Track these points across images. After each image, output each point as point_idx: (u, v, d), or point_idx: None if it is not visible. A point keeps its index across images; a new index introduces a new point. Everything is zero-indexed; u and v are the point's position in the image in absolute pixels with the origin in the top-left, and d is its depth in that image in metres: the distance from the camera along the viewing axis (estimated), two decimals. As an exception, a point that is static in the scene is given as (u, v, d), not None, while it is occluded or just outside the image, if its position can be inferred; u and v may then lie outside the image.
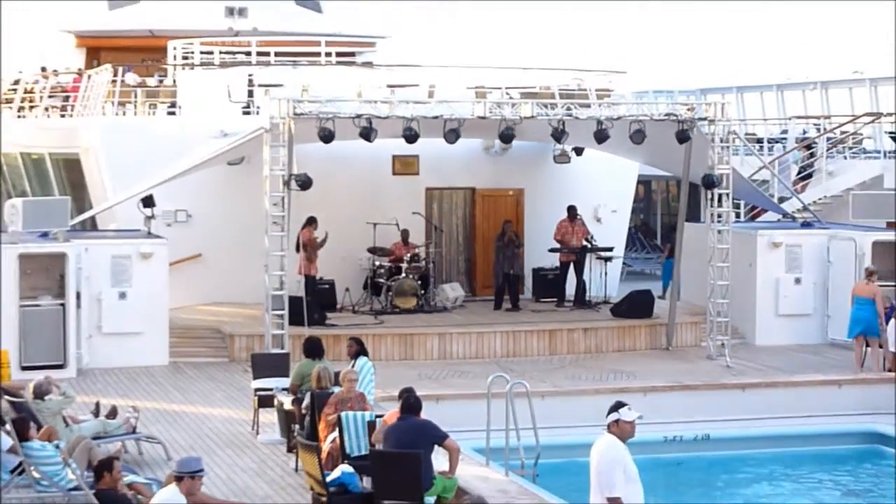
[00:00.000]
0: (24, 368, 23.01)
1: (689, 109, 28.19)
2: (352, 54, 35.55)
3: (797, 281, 28.90)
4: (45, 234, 25.88)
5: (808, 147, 37.78)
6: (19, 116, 36.74)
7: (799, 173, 35.54)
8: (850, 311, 26.53)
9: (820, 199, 33.46)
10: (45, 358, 24.32)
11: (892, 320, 25.08)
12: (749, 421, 23.01)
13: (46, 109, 35.33)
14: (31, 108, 36.24)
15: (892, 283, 27.93)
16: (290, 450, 18.17)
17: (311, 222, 27.12)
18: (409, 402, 15.56)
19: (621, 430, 10.97)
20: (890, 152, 38.90)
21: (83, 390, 21.92)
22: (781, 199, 33.30)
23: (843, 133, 40.48)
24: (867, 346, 25.58)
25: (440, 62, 34.41)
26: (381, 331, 25.97)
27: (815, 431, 22.93)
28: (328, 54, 33.69)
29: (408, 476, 15.06)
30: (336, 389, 17.41)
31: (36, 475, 16.15)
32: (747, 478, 21.61)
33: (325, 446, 15.96)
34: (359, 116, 25.78)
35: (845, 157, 37.75)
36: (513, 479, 16.93)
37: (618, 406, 11.17)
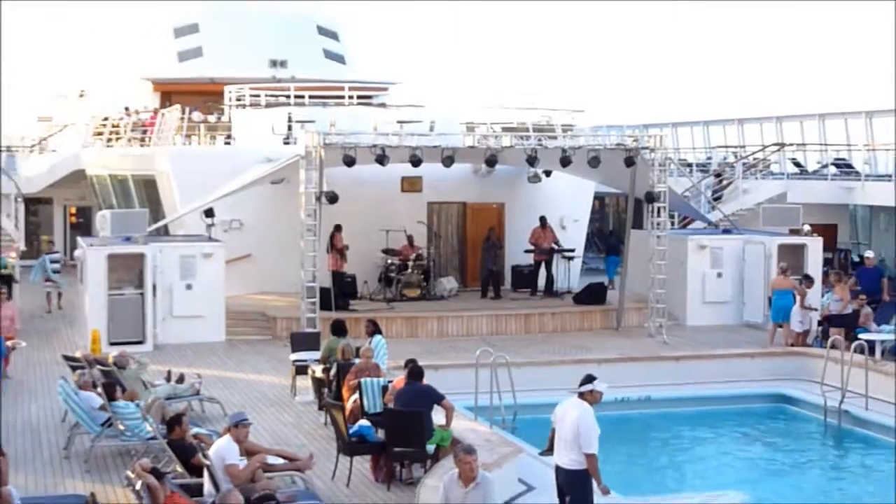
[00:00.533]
0: (112, 344, 23.15)
1: (634, 140, 28.52)
2: (369, 97, 35.58)
3: (719, 275, 29.13)
4: (128, 239, 26.21)
5: (718, 175, 37.91)
6: (108, 146, 36.91)
7: (714, 192, 35.71)
8: (773, 300, 26.73)
9: (737, 211, 33.62)
10: (128, 336, 24.66)
11: (795, 305, 25.44)
12: (681, 385, 23.13)
13: (129, 140, 35.41)
14: (118, 139, 36.34)
15: (798, 277, 28.25)
16: (320, 408, 18.53)
17: (339, 229, 27.41)
18: (414, 370, 15.97)
19: (593, 398, 11.57)
20: (791, 174, 39.10)
21: (158, 361, 22.00)
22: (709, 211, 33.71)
23: (755, 159, 40.65)
24: (779, 327, 25.84)
25: (439, 103, 34.61)
26: (392, 314, 26.13)
27: (733, 393, 23.10)
28: (350, 97, 33.75)
29: (413, 429, 15.42)
30: (357, 361, 17.73)
31: (121, 427, 16.49)
32: (680, 430, 21.71)
33: (348, 405, 16.27)
34: (374, 146, 26.07)
35: (756, 178, 37.81)
36: (495, 431, 17.28)
37: (591, 378, 11.72)
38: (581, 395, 11.78)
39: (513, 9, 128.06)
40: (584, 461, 11.57)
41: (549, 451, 12.57)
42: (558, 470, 11.96)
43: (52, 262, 29.43)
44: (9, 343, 19.69)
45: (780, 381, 23.71)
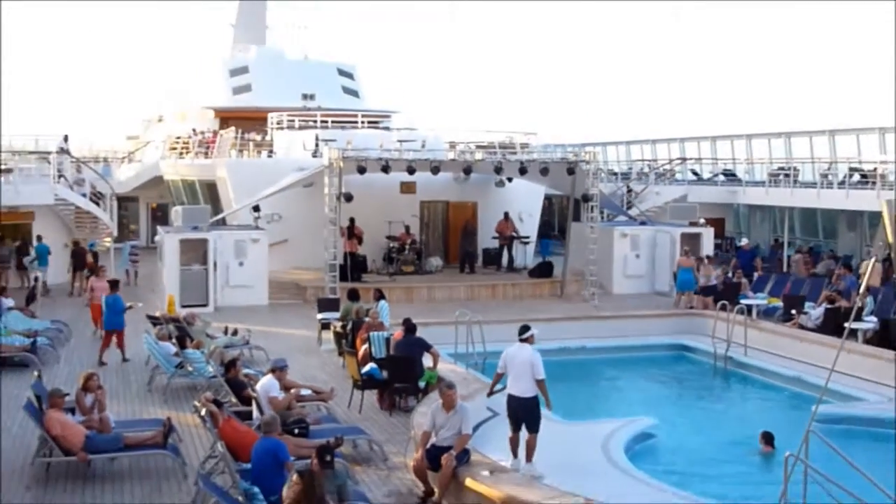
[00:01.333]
0: (183, 307, 23.11)
1: (574, 155, 28.48)
2: (377, 122, 35.48)
3: (637, 256, 29.14)
4: (195, 228, 26.19)
5: (629, 189, 37.80)
6: (180, 158, 36.93)
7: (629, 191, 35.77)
8: (677, 275, 26.66)
9: (650, 208, 33.64)
10: (195, 300, 24.61)
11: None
12: (608, 338, 23.15)
13: (196, 154, 35.44)
14: (187, 153, 36.35)
15: (695, 255, 28.36)
16: (339, 355, 18.52)
17: (353, 222, 27.33)
18: (409, 326, 16.16)
19: (532, 341, 11.68)
20: (691, 181, 39.19)
21: (217, 319, 21.97)
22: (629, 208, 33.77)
23: (664, 170, 40.78)
24: (682, 295, 25.97)
25: (428, 127, 34.72)
26: (392, 285, 25.98)
27: (646, 344, 23.18)
28: (362, 122, 33.76)
29: (409, 370, 15.58)
30: (367, 319, 17.76)
31: (190, 369, 16.63)
32: (607, 370, 21.91)
33: (360, 352, 16.30)
34: (380, 159, 26.05)
35: (665, 184, 37.92)
36: (469, 372, 17.37)
37: (527, 328, 11.93)
38: (524, 340, 12.06)
39: (485, 54, 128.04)
40: (535, 389, 11.88)
41: (493, 392, 13.24)
42: (512, 398, 12.03)
43: (133, 247, 29.44)
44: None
45: (681, 334, 23.82)
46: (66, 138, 33.84)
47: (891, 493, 10.88)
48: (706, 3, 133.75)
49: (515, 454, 12.10)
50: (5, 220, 29.51)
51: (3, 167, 29.42)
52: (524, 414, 12.06)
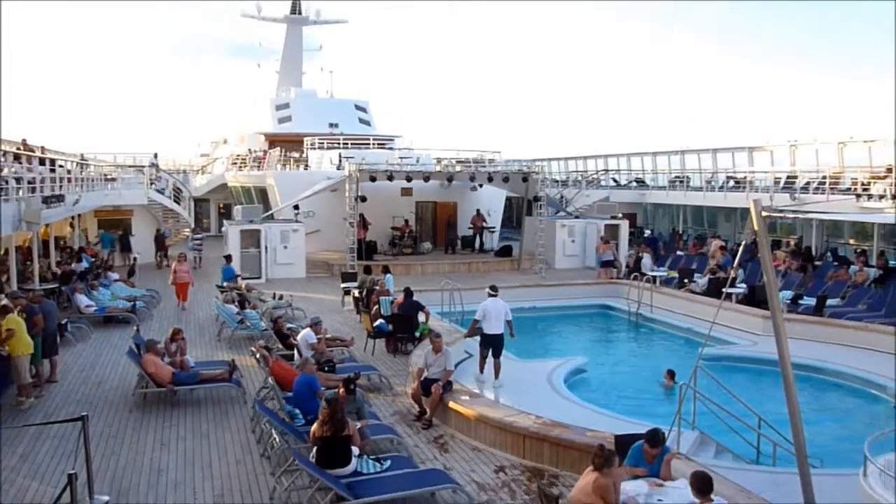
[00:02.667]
0: (243, 279, 23.03)
1: (527, 168, 28.46)
2: (384, 143, 35.41)
3: (573, 241, 29.04)
4: (251, 221, 26.04)
5: (562, 198, 37.79)
6: (239, 170, 36.74)
7: (561, 198, 35.71)
8: (598, 256, 26.90)
9: (582, 206, 33.54)
10: (251, 274, 24.51)
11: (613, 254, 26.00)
12: (552, 299, 23.23)
13: (251, 167, 35.29)
14: (245, 166, 36.19)
15: (615, 240, 28.45)
16: (357, 313, 18.33)
17: (363, 217, 27.11)
18: (408, 292, 16.21)
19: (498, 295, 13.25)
20: (612, 186, 39.20)
21: (268, 288, 22.00)
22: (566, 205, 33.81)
23: (592, 178, 40.85)
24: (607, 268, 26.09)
25: (421, 147, 34.55)
26: (396, 262, 25.80)
27: (580, 304, 23.19)
28: (373, 144, 33.74)
29: (408, 323, 15.56)
30: (377, 287, 17.81)
31: (248, 324, 16.56)
32: (551, 324, 21.88)
33: (372, 311, 16.31)
34: (386, 171, 26.02)
35: (593, 188, 37.97)
36: (452, 326, 17.34)
37: (495, 287, 12.59)
38: (494, 295, 13.77)
39: (464, 91, 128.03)
40: (503, 328, 13.54)
41: (470, 335, 14.29)
42: (491, 336, 13.54)
43: (195, 238, 29.36)
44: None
45: (605, 297, 23.78)
46: (155, 156, 34.21)
47: (753, 409, 11.06)
48: (621, 55, 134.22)
49: (482, 370, 13.75)
50: (112, 216, 30.14)
51: (110, 177, 29.53)
52: (496, 344, 13.55)
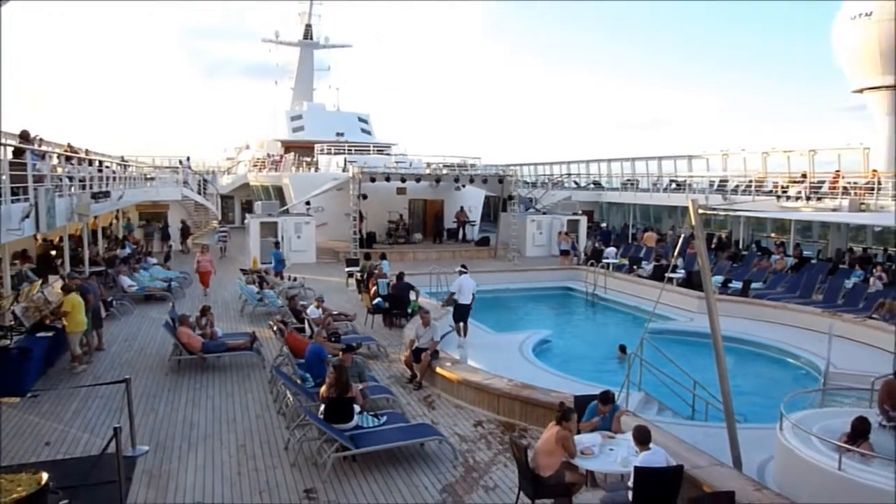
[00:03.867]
0: (262, 264, 22.95)
1: (502, 171, 28.46)
2: (382, 150, 35.22)
3: (540, 233, 28.95)
4: (269, 215, 25.80)
5: (531, 199, 37.77)
6: (259, 171, 36.46)
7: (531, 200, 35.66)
8: (557, 245, 27.09)
9: (548, 204, 33.56)
10: (270, 260, 24.37)
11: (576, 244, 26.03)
12: (522, 282, 23.29)
13: (269, 169, 35.04)
14: (264, 168, 35.91)
15: (575, 233, 28.49)
16: (359, 293, 18.30)
17: (361, 213, 26.75)
18: (401, 276, 16.16)
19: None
20: (573, 187, 39.29)
21: (285, 272, 21.81)
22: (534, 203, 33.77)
23: (557, 180, 40.89)
24: (566, 256, 26.24)
25: (414, 153, 34.54)
26: (391, 250, 25.55)
27: (545, 286, 23.24)
28: (373, 150, 33.59)
29: (402, 301, 15.54)
30: (375, 271, 17.76)
31: (266, 301, 16.40)
32: (521, 302, 21.84)
33: (371, 291, 16.29)
34: (384, 173, 25.96)
35: (559, 189, 38.03)
36: (439, 304, 17.21)
37: (465, 266, 12.94)
38: (465, 272, 14.53)
39: (450, 102, 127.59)
40: (470, 298, 14.12)
41: (448, 305, 14.69)
42: (464, 305, 14.11)
43: (221, 231, 28.96)
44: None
45: (567, 280, 23.78)
46: (188, 158, 33.83)
47: (689, 374, 11.15)
48: (570, 74, 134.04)
49: (460, 333, 14.05)
50: (152, 210, 30.01)
51: (149, 176, 29.34)
52: (466, 311, 14.12)
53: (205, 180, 33.35)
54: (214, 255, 25.80)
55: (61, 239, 17.57)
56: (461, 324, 14.14)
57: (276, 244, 23.29)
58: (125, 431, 7.61)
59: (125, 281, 18.10)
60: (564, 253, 26.34)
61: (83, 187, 16.93)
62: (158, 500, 6.91)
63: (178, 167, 31.77)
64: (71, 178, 16.02)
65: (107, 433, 7.62)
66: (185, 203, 30.60)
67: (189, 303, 17.51)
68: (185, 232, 29.65)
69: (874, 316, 15.73)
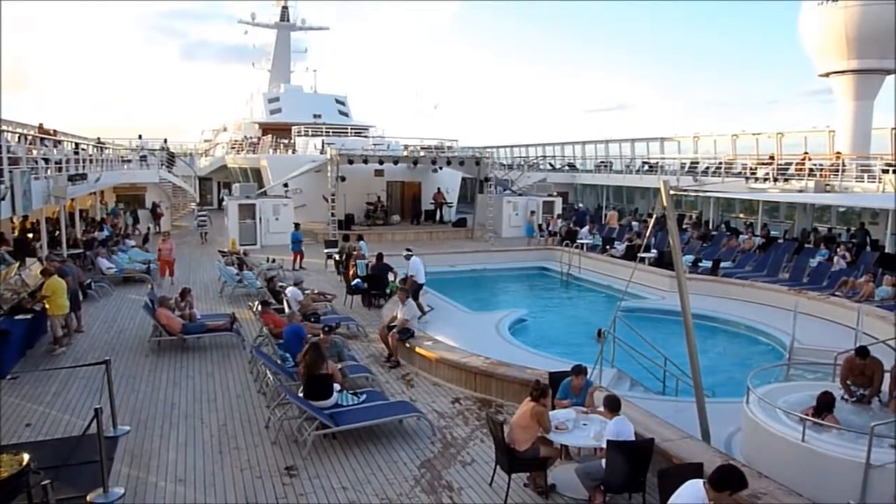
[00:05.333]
0: (241, 245, 22.81)
1: (479, 154, 28.46)
2: (360, 132, 34.74)
3: (516, 214, 28.87)
4: (248, 197, 25.48)
5: (506, 181, 37.75)
6: (237, 154, 35.89)
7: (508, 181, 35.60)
8: (527, 227, 27.22)
9: (524, 186, 33.56)
10: (248, 241, 24.09)
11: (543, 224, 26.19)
12: (499, 262, 23.26)
13: (247, 151, 34.39)
14: (242, 150, 35.35)
15: (549, 215, 28.60)
16: (338, 274, 18.27)
17: (334, 196, 26.47)
18: (380, 256, 16.15)
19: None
20: (549, 169, 39.36)
21: (262, 253, 21.65)
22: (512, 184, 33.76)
23: (533, 162, 40.95)
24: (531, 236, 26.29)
25: (392, 135, 34.18)
26: (370, 232, 25.32)
27: (521, 266, 23.31)
28: (351, 132, 33.10)
29: (380, 283, 15.54)
30: (354, 252, 17.67)
31: (245, 283, 16.31)
32: (498, 282, 21.91)
33: (350, 272, 16.20)
34: (362, 155, 25.79)
35: (535, 170, 38.07)
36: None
37: (411, 249, 13.33)
38: (412, 255, 14.90)
39: (429, 83, 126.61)
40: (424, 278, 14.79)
41: (409, 288, 14.03)
42: (421, 284, 14.68)
43: (200, 215, 28.26)
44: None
45: (542, 261, 23.85)
46: (165, 141, 33.36)
47: (660, 350, 11.31)
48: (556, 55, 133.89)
49: (422, 311, 14.12)
50: (129, 192, 29.53)
51: (126, 158, 28.83)
52: (419, 289, 14.46)
53: (170, 153, 32.36)
54: (194, 241, 25.48)
55: (38, 222, 17.26)
56: (418, 301, 14.34)
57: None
58: (106, 412, 7.55)
59: (103, 263, 17.85)
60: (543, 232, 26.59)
61: (60, 169, 16.62)
62: (140, 479, 6.89)
63: (155, 150, 31.27)
64: (47, 161, 15.71)
65: (88, 414, 7.56)
66: (164, 185, 30.13)
67: (168, 284, 17.31)
68: (155, 214, 29.20)
69: (837, 294, 16.05)
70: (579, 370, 7.64)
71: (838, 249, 19.21)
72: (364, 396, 8.52)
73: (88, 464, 6.46)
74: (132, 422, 8.36)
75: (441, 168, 29.48)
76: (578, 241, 23.86)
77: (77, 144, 20.73)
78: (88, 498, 6.35)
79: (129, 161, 28.87)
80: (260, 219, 24.98)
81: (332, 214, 25.49)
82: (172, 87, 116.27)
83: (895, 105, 28.51)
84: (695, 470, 5.51)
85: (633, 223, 26.82)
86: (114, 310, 14.71)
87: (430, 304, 15.40)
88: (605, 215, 30.66)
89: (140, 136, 31.32)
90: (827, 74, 23.47)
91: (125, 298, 15.79)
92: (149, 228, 27.28)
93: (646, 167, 32.59)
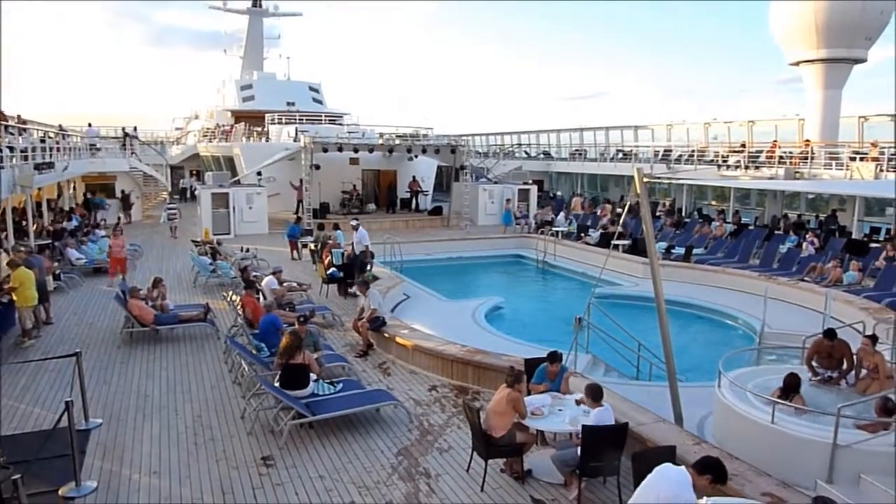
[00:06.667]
0: (215, 234, 22.53)
1: (455, 142, 28.31)
2: (334, 119, 34.42)
3: (492, 202, 28.85)
4: (221, 185, 25.13)
5: (480, 170, 37.78)
6: (209, 142, 35.34)
7: (484, 170, 35.56)
8: (504, 215, 27.23)
9: (499, 173, 33.59)
10: (222, 231, 23.78)
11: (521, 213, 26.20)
12: (475, 250, 23.33)
13: (220, 139, 33.82)
14: (214, 138, 34.81)
15: (525, 202, 28.71)
16: (313, 263, 18.01)
17: (302, 182, 26.21)
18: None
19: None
20: (524, 157, 39.49)
21: (236, 242, 21.38)
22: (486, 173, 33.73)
23: (508, 150, 41.00)
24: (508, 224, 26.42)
25: (366, 122, 33.98)
26: (345, 221, 25.34)
27: (497, 254, 23.41)
28: (325, 120, 32.87)
29: (357, 271, 15.44)
30: (329, 241, 17.53)
31: (219, 272, 16.17)
32: (474, 270, 21.93)
33: (325, 261, 16.11)
34: (337, 143, 25.56)
35: (511, 158, 38.11)
36: (392, 273, 17.32)
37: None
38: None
39: (405, 72, 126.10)
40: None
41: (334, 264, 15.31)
42: (358, 258, 15.51)
43: (170, 208, 27.52)
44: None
45: (517, 248, 24.00)
46: (135, 129, 32.79)
47: (634, 336, 11.45)
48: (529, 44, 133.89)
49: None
50: (98, 181, 28.91)
51: (96, 147, 28.25)
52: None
53: (126, 134, 31.64)
54: (166, 232, 24.93)
55: (4, 212, 16.87)
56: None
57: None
58: (77, 405, 7.42)
59: (73, 254, 17.54)
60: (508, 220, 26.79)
61: (25, 158, 16.25)
62: (114, 472, 6.81)
63: (125, 136, 30.70)
64: (12, 149, 15.34)
65: (58, 407, 7.45)
66: (134, 174, 29.63)
67: (140, 275, 17.05)
68: (126, 202, 28.79)
69: (806, 279, 16.38)
70: (555, 357, 7.70)
71: (807, 236, 19.58)
72: (340, 385, 8.50)
73: (60, 458, 6.36)
74: (104, 414, 8.25)
75: (416, 156, 29.36)
76: (554, 228, 23.99)
77: (45, 132, 20.29)
78: (60, 492, 6.27)
79: (99, 149, 28.28)
80: (233, 208, 24.70)
81: (299, 202, 25.26)
82: (143, 75, 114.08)
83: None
84: (668, 452, 5.60)
85: (602, 210, 27.12)
86: (84, 301, 14.47)
87: (405, 292, 15.39)
88: (595, 203, 30.88)
89: (90, 125, 30.04)
90: (797, 63, 23.79)
91: (96, 289, 15.53)
92: (119, 219, 26.80)
93: (620, 155, 32.82)
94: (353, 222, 17.51)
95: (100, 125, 32.19)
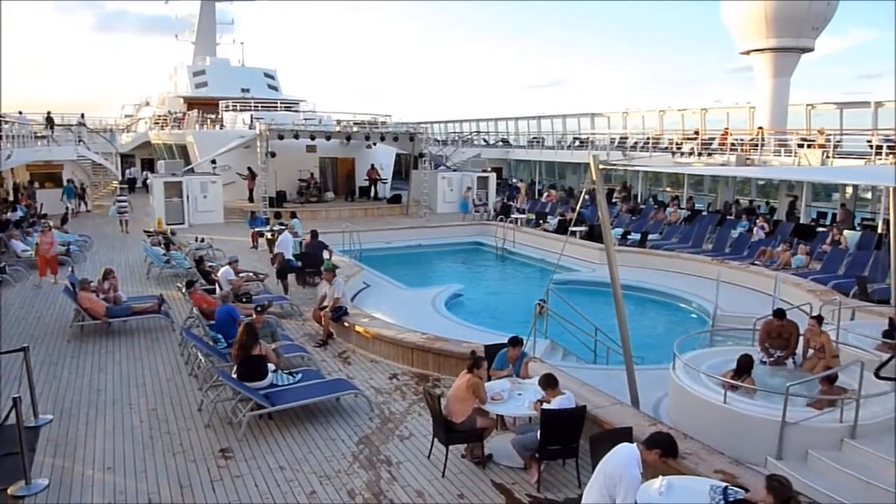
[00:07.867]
0: (168, 224, 22.07)
1: (413, 129, 28.26)
2: (290, 106, 33.99)
3: (451, 190, 28.91)
4: (173, 174, 24.50)
5: (440, 159, 37.80)
6: (161, 129, 34.45)
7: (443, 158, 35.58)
8: (461, 203, 27.41)
9: (458, 161, 33.57)
10: (175, 221, 23.23)
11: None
12: (434, 238, 23.32)
13: (172, 127, 32.99)
14: (166, 126, 33.95)
15: (484, 189, 28.78)
16: (270, 252, 17.89)
17: (251, 170, 25.95)
18: (314, 234, 15.96)
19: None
20: (483, 145, 39.58)
21: (191, 232, 21.00)
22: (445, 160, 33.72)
23: (467, 138, 41.01)
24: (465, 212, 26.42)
25: (323, 109, 33.58)
26: (303, 209, 24.86)
27: (456, 241, 23.45)
28: (281, 106, 32.36)
29: (315, 260, 15.30)
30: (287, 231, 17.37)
31: (173, 263, 15.87)
32: (433, 258, 21.93)
33: (275, 256, 15.90)
34: (293, 130, 25.21)
35: (470, 146, 38.13)
36: (352, 262, 17.16)
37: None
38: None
39: (360, 58, 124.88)
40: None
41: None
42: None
43: (120, 200, 26.57)
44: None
45: (477, 236, 24.06)
46: (82, 116, 31.72)
47: (591, 321, 11.61)
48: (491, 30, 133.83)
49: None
50: (44, 170, 28.07)
51: (40, 135, 27.26)
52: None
53: (50, 119, 30.57)
54: (114, 227, 24.11)
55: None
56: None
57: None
58: (25, 401, 7.20)
59: (18, 245, 16.96)
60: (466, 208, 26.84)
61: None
62: (66, 469, 6.63)
63: (72, 126, 29.72)
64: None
65: (5, 404, 7.20)
66: (82, 163, 28.74)
67: (91, 266, 16.60)
68: (78, 192, 28.11)
69: (756, 262, 16.86)
70: (516, 341, 7.76)
71: (758, 221, 20.12)
72: (300, 375, 8.42)
73: (8, 456, 6.20)
74: (55, 410, 8.02)
75: (375, 144, 29.19)
76: (513, 216, 24.13)
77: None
78: (10, 491, 6.08)
79: (44, 137, 27.31)
80: (187, 197, 24.17)
81: (251, 190, 24.87)
82: (89, 60, 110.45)
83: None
84: (625, 433, 5.71)
85: (548, 195, 27.38)
86: (31, 294, 14.03)
87: (365, 282, 15.32)
88: (517, 188, 31.23)
89: (20, 113, 28.45)
90: (748, 52, 24.33)
91: (43, 282, 15.05)
92: (67, 208, 25.99)
93: (577, 143, 33.14)
94: (292, 218, 18.46)
95: (56, 112, 30.91)
